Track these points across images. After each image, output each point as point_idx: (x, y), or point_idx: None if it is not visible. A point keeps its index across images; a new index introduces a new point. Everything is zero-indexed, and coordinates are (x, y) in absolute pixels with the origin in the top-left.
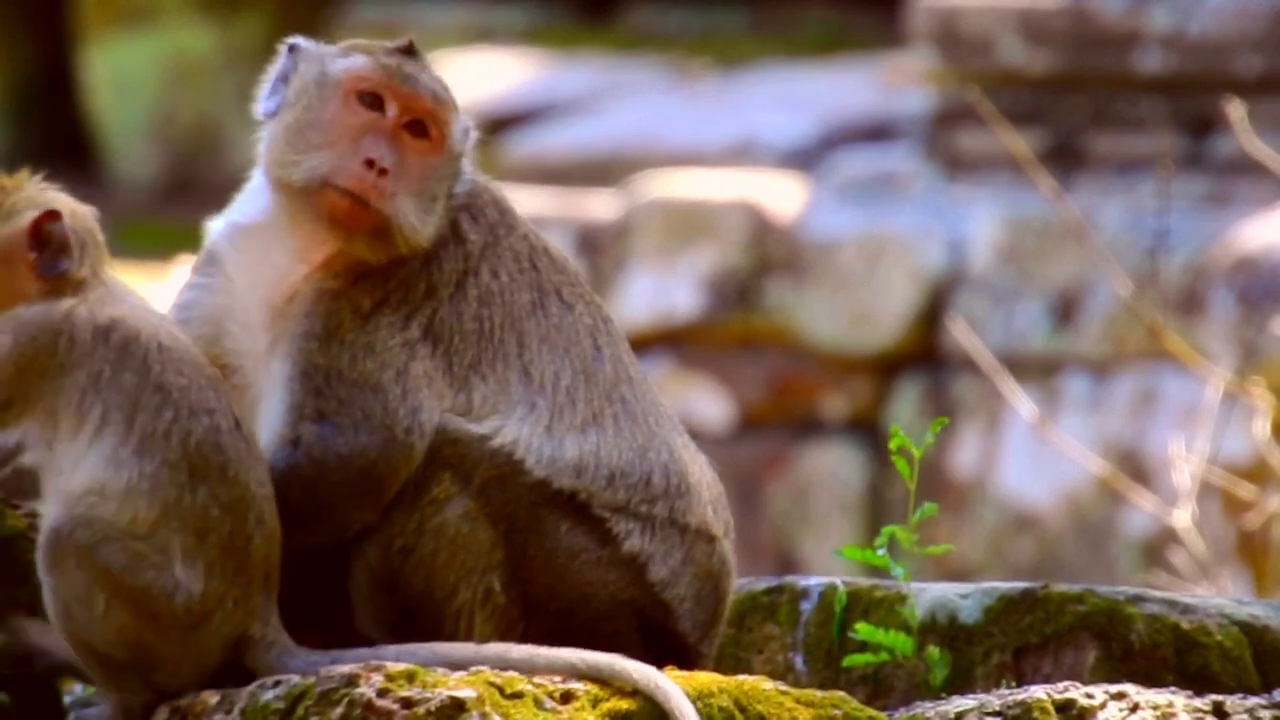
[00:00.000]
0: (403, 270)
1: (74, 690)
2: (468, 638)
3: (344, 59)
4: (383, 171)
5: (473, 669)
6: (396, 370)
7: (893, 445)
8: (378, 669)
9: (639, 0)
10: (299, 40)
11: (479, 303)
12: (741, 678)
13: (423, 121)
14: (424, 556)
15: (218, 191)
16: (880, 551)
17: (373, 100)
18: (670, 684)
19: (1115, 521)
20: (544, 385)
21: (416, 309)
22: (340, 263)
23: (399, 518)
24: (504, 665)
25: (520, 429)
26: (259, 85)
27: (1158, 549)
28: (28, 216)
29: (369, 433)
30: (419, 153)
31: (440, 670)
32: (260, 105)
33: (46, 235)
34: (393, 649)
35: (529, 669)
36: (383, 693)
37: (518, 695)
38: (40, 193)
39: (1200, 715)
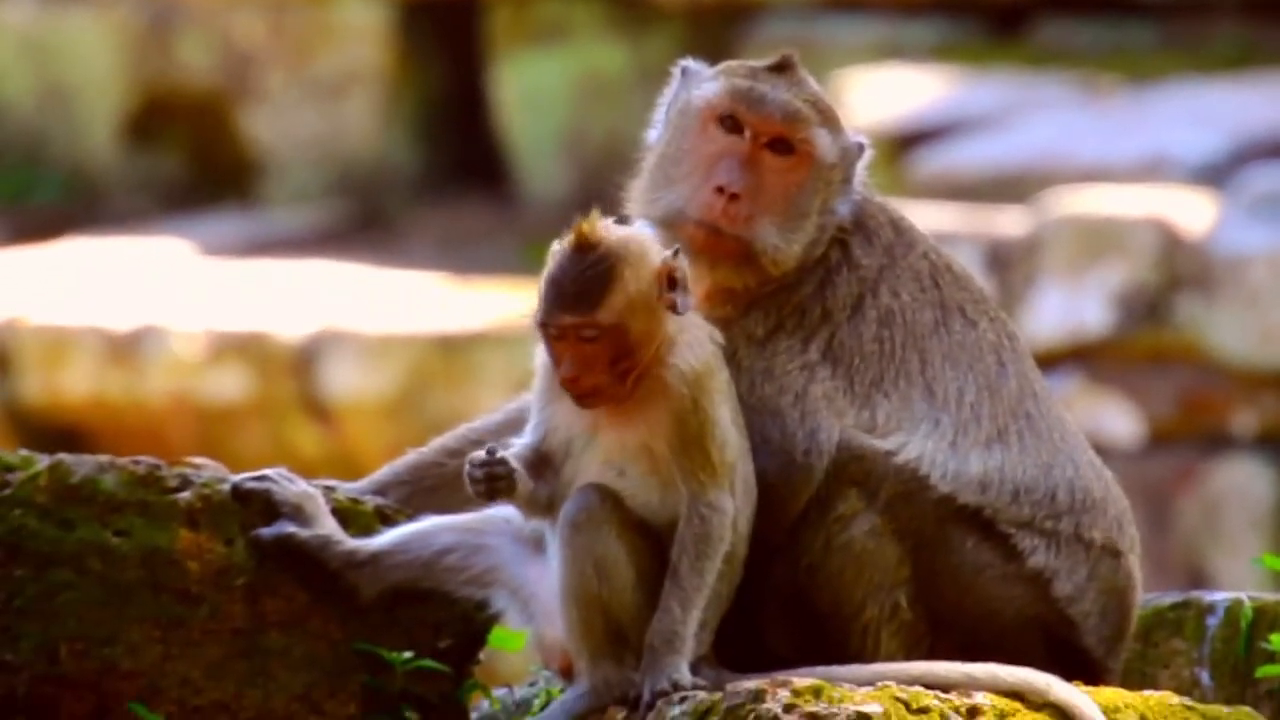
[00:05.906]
0: (796, 296)
1: (480, 706)
2: (874, 654)
3: (704, 85)
4: (734, 196)
5: (879, 684)
6: (795, 394)
7: None
8: (784, 684)
9: (1049, 16)
10: (689, 63)
11: (879, 323)
12: (1147, 693)
13: (784, 139)
14: (831, 574)
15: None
16: None
17: (731, 124)
18: (1087, 701)
19: None
20: (947, 402)
21: (814, 333)
22: (722, 292)
23: (805, 536)
24: (920, 681)
25: (925, 445)
26: (658, 107)
27: None
28: (657, 257)
29: (767, 456)
30: (780, 171)
31: (846, 685)
32: (651, 133)
33: (675, 274)
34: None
35: (944, 684)
36: (789, 708)
37: (924, 710)
38: (635, 230)
39: None
